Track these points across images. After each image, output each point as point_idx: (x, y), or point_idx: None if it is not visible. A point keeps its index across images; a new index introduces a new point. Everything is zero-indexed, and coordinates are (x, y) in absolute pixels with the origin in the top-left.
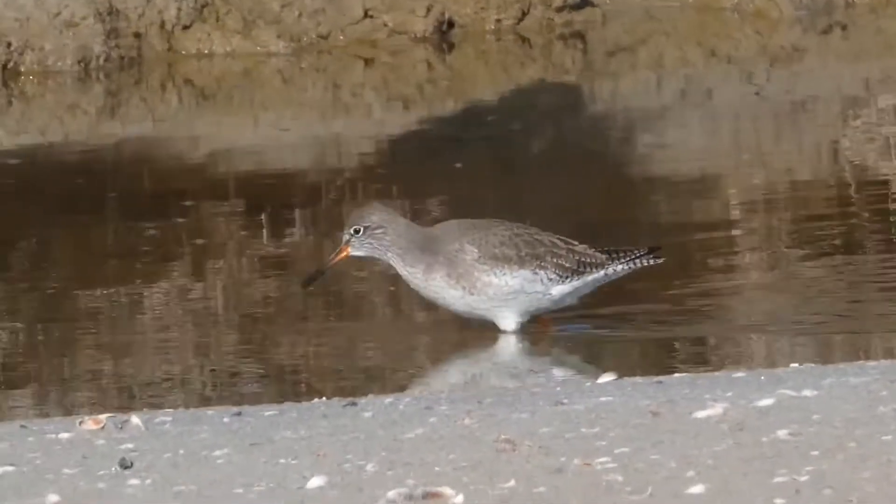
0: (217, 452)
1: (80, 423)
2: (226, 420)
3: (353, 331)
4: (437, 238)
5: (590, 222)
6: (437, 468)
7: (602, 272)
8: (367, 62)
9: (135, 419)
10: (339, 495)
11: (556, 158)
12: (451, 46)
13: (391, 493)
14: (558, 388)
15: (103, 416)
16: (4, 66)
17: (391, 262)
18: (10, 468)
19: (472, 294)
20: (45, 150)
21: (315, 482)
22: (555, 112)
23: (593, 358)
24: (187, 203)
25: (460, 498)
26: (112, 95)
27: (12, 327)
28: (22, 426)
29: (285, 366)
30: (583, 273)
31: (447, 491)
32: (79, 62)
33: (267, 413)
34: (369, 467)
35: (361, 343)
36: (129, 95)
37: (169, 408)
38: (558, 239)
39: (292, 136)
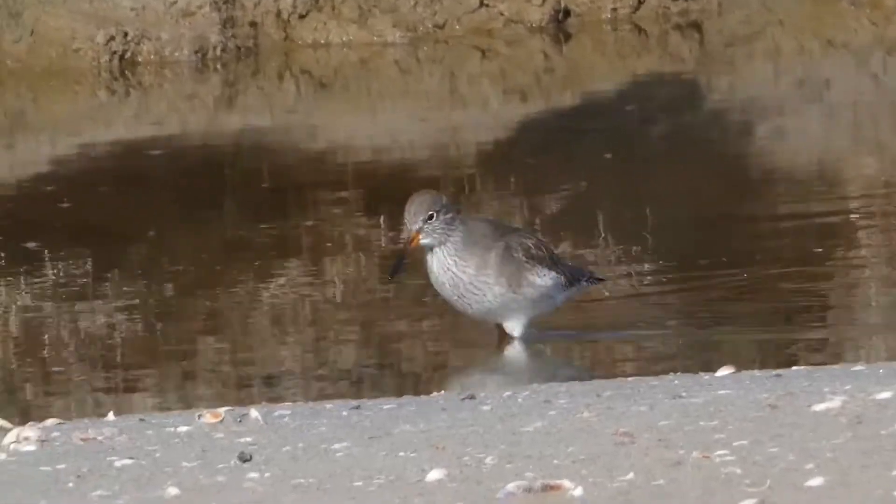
0: (336, 446)
1: (199, 416)
2: (345, 413)
3: (471, 323)
4: (485, 233)
5: (707, 214)
6: (555, 461)
7: (576, 287)
8: (484, 52)
9: (254, 413)
10: (457, 488)
11: (673, 149)
12: (568, 36)
13: (510, 486)
14: (676, 382)
15: (222, 410)
16: (121, 57)
17: (440, 250)
18: (129, 461)
19: (514, 293)
20: (162, 141)
21: (434, 475)
22: (672, 103)
23: (711, 352)
24: (305, 194)
25: (579, 490)
26: (229, 85)
27: (131, 320)
28: (141, 420)
29: (404, 359)
30: (572, 284)
31: (566, 483)
32: (196, 52)
33: (386, 406)
34: (488, 460)
35: (480, 335)
36: (246, 85)
37: (288, 401)
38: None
39: (410, 127)
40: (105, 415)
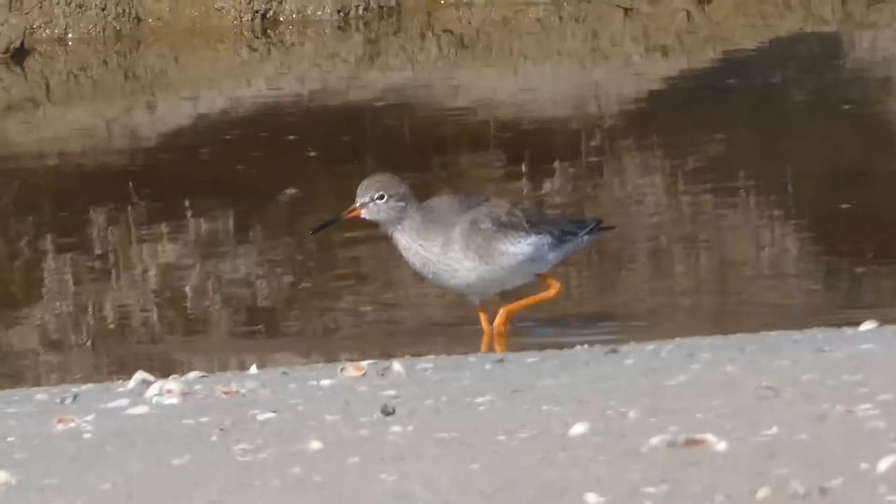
0: (479, 399)
1: (342, 370)
2: (487, 367)
3: (614, 279)
4: (447, 211)
5: (847, 172)
6: (699, 415)
7: (575, 241)
8: (627, 11)
9: (396, 366)
10: (601, 442)
11: (815, 109)
12: None
13: (654, 440)
14: (820, 336)
15: (365, 363)
16: (264, 15)
17: (400, 234)
18: (272, 415)
19: (487, 265)
20: (304, 99)
21: (578, 429)
22: (814, 62)
23: (855, 306)
24: (446, 151)
25: (723, 445)
26: (371, 44)
27: (275, 276)
28: (284, 373)
29: (548, 312)
30: (565, 241)
31: (710, 437)
32: (338, 11)
33: (529, 360)
34: (632, 414)
35: (623, 289)
36: (388, 44)
37: (431, 354)
38: (539, 209)
39: (552, 86)
40: (248, 368)
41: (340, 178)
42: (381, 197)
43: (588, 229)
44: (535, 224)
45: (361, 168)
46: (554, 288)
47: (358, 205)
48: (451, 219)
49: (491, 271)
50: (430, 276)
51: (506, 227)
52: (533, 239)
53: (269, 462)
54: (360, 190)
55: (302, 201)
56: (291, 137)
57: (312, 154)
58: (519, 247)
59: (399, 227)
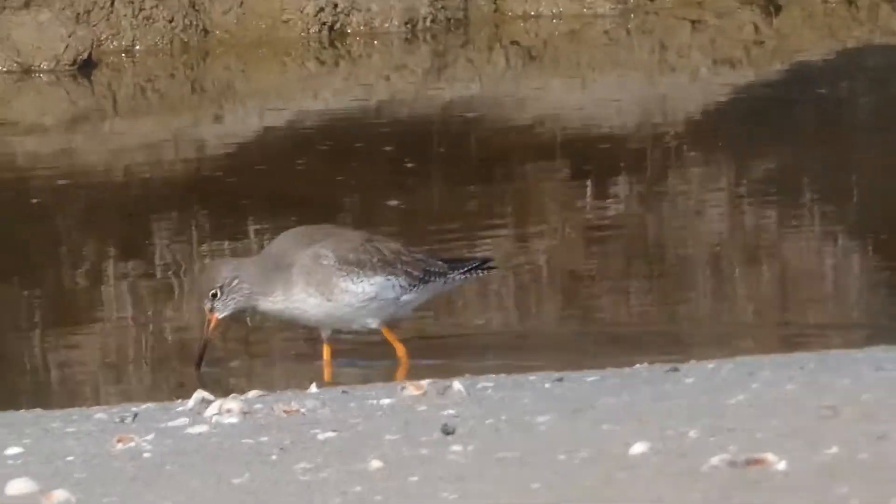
0: (539, 418)
1: (402, 389)
2: (547, 386)
3: (675, 295)
4: (286, 250)
5: None
6: (759, 434)
7: (442, 281)
8: (694, 24)
9: (457, 385)
10: (661, 461)
11: (882, 121)
12: (778, 9)
13: (714, 460)
14: (881, 354)
15: (425, 382)
16: (331, 27)
17: (255, 304)
18: (332, 434)
19: (330, 301)
20: (371, 111)
21: (638, 448)
22: (882, 74)
23: None
24: (513, 165)
25: (783, 464)
26: (439, 56)
27: None
28: (344, 392)
29: (607, 331)
30: (427, 281)
31: (770, 457)
32: (405, 23)
33: (589, 379)
34: (692, 433)
35: (684, 308)
36: (455, 56)
37: (491, 373)
38: (402, 247)
39: (619, 98)
40: (307, 387)
41: (406, 190)
42: (215, 294)
43: (464, 269)
44: (387, 263)
45: (427, 180)
46: (398, 351)
47: (209, 312)
48: (290, 258)
49: (336, 308)
50: (289, 321)
51: (350, 264)
52: (379, 279)
53: (329, 481)
54: (201, 299)
55: (363, 213)
56: (358, 150)
57: (379, 167)
58: (361, 286)
59: (251, 300)
